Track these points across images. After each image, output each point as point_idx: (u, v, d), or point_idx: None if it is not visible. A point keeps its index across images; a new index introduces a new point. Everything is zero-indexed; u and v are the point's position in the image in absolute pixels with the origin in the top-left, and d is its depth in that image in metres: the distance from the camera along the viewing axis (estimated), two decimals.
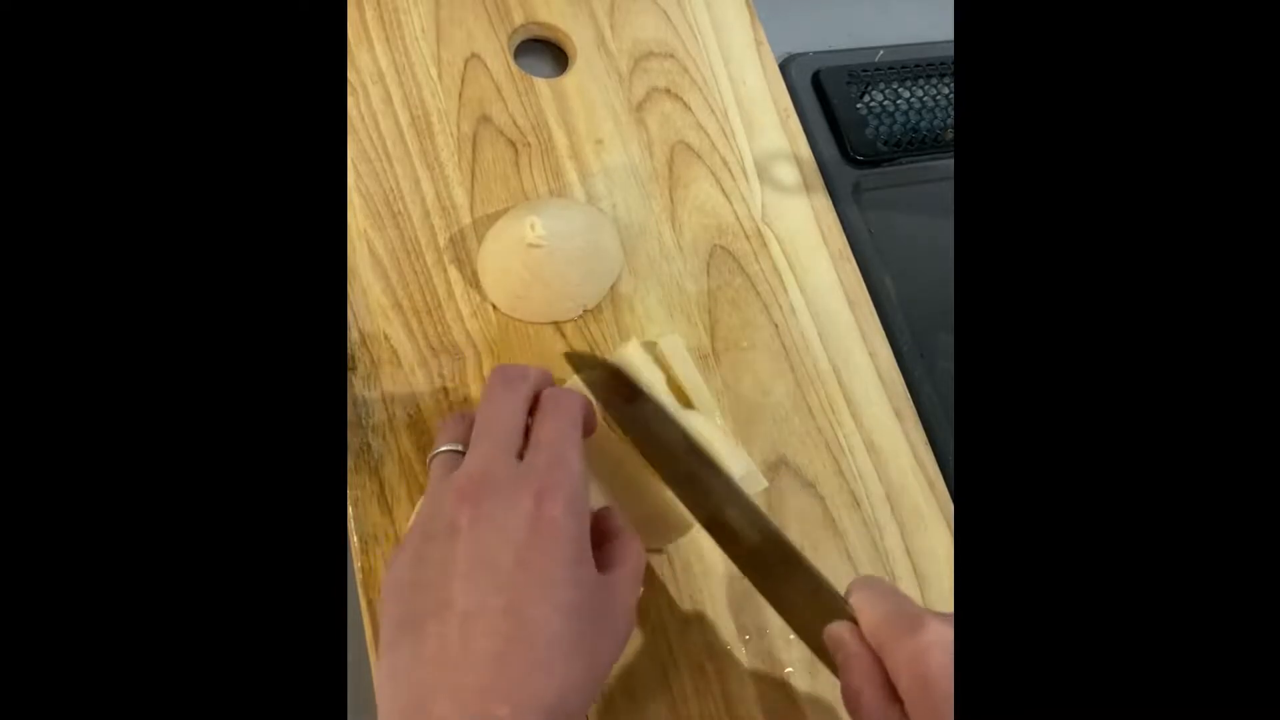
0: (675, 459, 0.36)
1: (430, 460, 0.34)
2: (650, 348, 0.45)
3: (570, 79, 0.52)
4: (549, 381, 0.36)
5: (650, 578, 0.40)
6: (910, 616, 0.29)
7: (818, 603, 0.33)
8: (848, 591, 0.32)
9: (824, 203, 0.53)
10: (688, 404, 0.41)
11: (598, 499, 0.38)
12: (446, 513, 0.30)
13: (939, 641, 0.28)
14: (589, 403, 0.35)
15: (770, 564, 0.34)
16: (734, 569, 0.39)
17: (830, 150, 0.58)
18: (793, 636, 0.41)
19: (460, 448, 0.33)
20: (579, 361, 0.40)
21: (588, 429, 0.35)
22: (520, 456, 0.31)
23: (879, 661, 0.30)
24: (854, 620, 0.31)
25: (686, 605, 0.41)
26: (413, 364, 0.42)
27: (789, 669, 0.41)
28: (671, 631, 0.40)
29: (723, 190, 0.52)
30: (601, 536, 0.33)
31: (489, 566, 0.28)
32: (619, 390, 0.38)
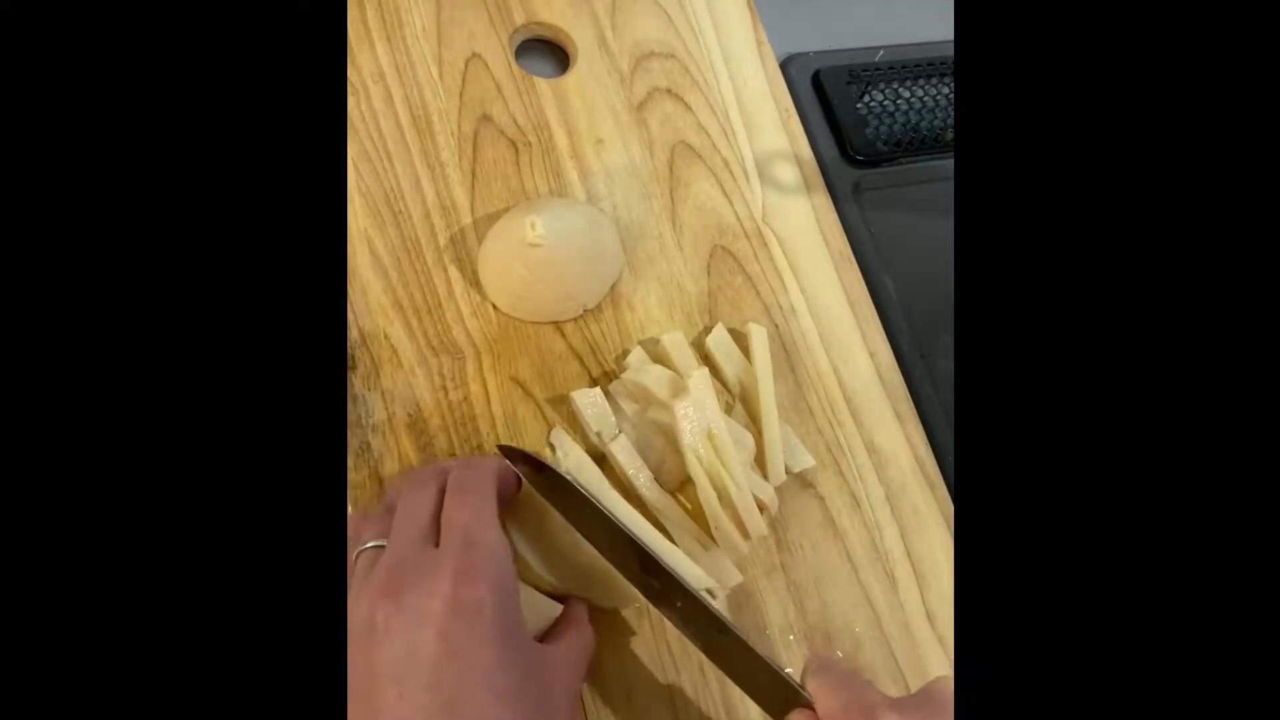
0: (624, 561, 0.35)
1: (354, 558, 0.32)
2: (652, 344, 0.45)
3: (571, 79, 0.52)
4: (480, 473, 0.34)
5: None
6: (866, 707, 0.29)
7: (775, 689, 0.33)
8: (803, 674, 0.32)
9: (824, 203, 0.53)
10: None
11: (545, 557, 0.37)
12: (365, 613, 0.29)
13: None
14: (504, 468, 0.34)
15: (728, 648, 0.34)
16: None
17: (831, 150, 0.58)
18: (792, 636, 0.42)
19: (384, 543, 0.32)
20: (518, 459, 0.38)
21: (507, 497, 0.34)
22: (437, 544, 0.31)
23: None
24: (810, 707, 0.31)
25: None
26: (413, 363, 0.42)
27: (788, 669, 0.41)
28: (670, 632, 0.40)
29: (723, 190, 0.52)
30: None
31: (415, 663, 0.27)
32: (563, 498, 0.37)
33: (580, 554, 0.36)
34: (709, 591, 0.40)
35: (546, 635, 0.32)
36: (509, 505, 0.36)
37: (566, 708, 0.30)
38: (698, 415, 0.40)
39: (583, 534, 0.36)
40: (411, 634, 0.28)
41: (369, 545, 0.32)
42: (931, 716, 0.28)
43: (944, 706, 0.29)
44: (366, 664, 0.28)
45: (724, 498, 0.41)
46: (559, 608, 0.35)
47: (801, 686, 0.32)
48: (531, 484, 0.37)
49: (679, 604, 0.34)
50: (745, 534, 0.41)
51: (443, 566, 0.29)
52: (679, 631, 0.35)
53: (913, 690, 0.42)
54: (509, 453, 0.37)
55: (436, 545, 0.31)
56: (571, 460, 0.40)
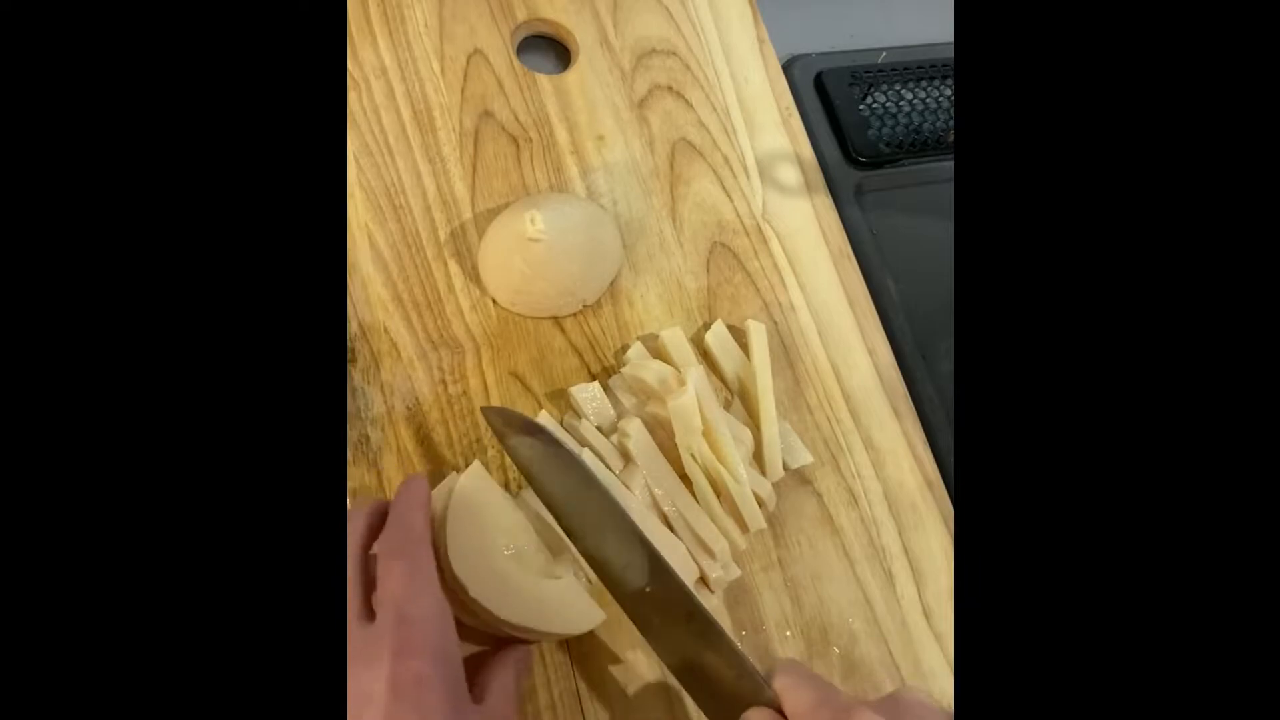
0: (601, 531, 0.35)
1: None
2: (651, 340, 0.45)
3: (572, 75, 0.52)
4: (383, 511, 0.34)
5: None
6: (840, 708, 0.28)
7: (739, 685, 0.31)
8: (769, 674, 0.31)
9: (825, 202, 0.53)
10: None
11: (490, 586, 0.35)
12: None
13: None
14: (423, 495, 0.33)
15: (692, 640, 0.33)
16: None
17: (833, 151, 0.58)
18: (789, 632, 0.42)
19: None
20: (503, 421, 0.37)
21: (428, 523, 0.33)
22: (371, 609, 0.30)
23: None
24: (776, 707, 0.30)
25: None
26: (412, 357, 0.42)
27: None
28: None
29: (723, 187, 0.52)
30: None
31: None
32: (549, 455, 0.36)
33: (526, 582, 0.35)
34: (701, 580, 0.40)
35: (474, 686, 0.31)
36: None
37: None
38: (694, 412, 0.40)
39: (558, 514, 0.35)
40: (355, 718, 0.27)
41: None
42: (901, 717, 0.28)
43: (911, 711, 0.29)
44: None
45: (721, 493, 0.41)
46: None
47: (767, 683, 0.31)
48: (512, 456, 0.36)
49: (649, 589, 0.33)
50: (743, 528, 0.41)
51: (380, 646, 0.28)
52: (638, 629, 0.34)
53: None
54: (496, 414, 0.37)
55: (371, 619, 0.30)
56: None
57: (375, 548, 0.32)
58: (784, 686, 0.30)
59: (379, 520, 0.33)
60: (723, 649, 0.32)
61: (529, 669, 0.33)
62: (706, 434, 0.41)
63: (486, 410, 0.38)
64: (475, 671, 0.33)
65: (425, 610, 0.29)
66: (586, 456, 0.39)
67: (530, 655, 0.33)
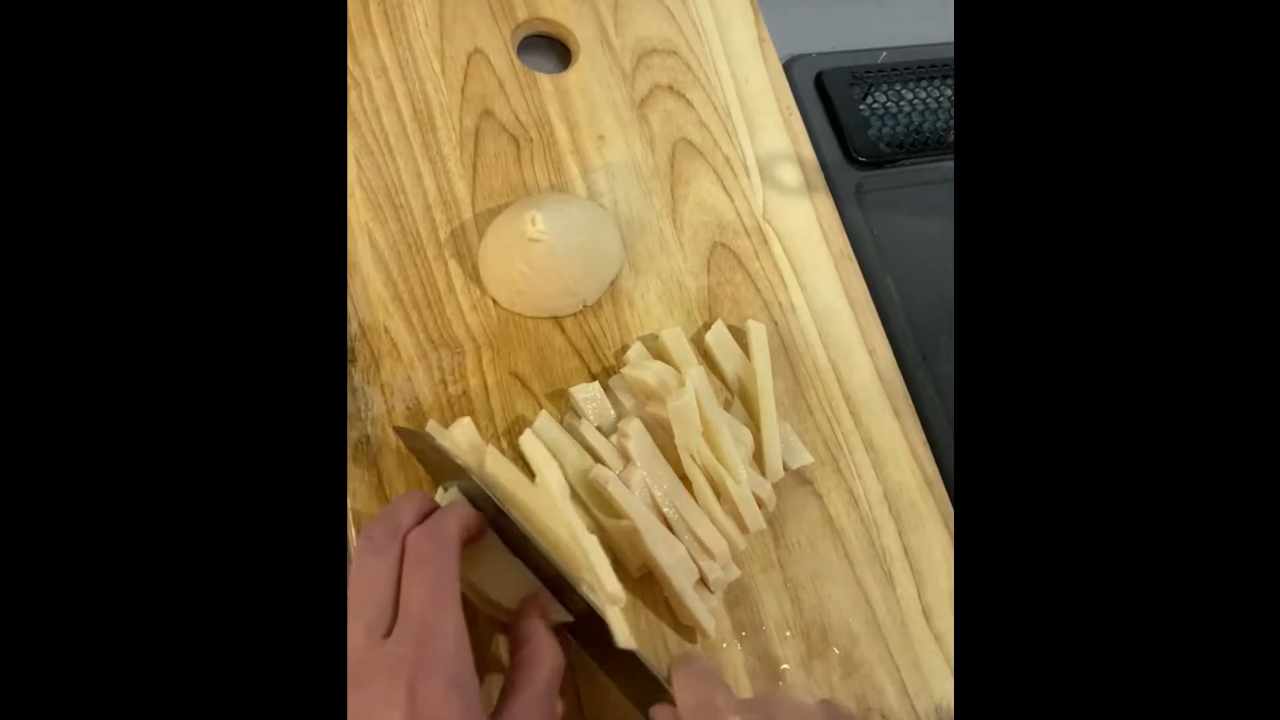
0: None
1: None
2: (651, 340, 0.45)
3: (573, 75, 0.52)
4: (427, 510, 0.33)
5: (646, 577, 0.40)
6: (714, 709, 0.28)
7: (644, 684, 0.32)
8: (668, 670, 0.32)
9: (825, 202, 0.53)
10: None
11: (496, 583, 0.36)
12: None
13: None
14: (471, 516, 0.33)
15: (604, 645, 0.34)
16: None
17: (833, 151, 0.58)
18: (789, 633, 0.42)
19: None
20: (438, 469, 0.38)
21: (473, 539, 0.33)
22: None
23: None
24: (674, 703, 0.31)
25: None
26: (412, 357, 0.42)
27: (785, 665, 0.41)
28: (668, 628, 0.40)
29: (724, 187, 0.52)
30: (514, 643, 0.32)
31: None
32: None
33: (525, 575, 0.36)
34: (701, 581, 0.40)
35: (512, 687, 0.31)
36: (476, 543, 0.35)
37: None
38: (693, 413, 0.40)
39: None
40: None
41: None
42: (771, 716, 0.28)
43: (784, 711, 0.29)
44: None
45: (721, 494, 0.41)
46: None
47: (668, 683, 0.32)
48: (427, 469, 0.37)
49: (574, 607, 0.34)
50: (743, 529, 0.41)
51: (398, 668, 0.27)
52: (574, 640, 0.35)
53: (910, 689, 0.42)
54: (404, 434, 0.38)
55: (389, 633, 0.29)
56: (488, 463, 0.39)
57: (407, 547, 0.31)
58: (677, 683, 0.30)
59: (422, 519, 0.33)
60: (635, 663, 0.33)
61: (556, 689, 0.32)
62: (706, 435, 0.41)
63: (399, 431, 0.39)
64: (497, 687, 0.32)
65: (447, 628, 0.29)
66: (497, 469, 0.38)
67: (559, 674, 0.32)
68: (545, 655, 0.32)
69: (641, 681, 0.33)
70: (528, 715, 0.30)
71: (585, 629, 0.35)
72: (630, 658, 0.33)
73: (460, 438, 0.39)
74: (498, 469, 0.38)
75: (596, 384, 0.43)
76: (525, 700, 0.30)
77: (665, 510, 0.40)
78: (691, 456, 0.40)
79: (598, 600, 0.34)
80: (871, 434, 0.48)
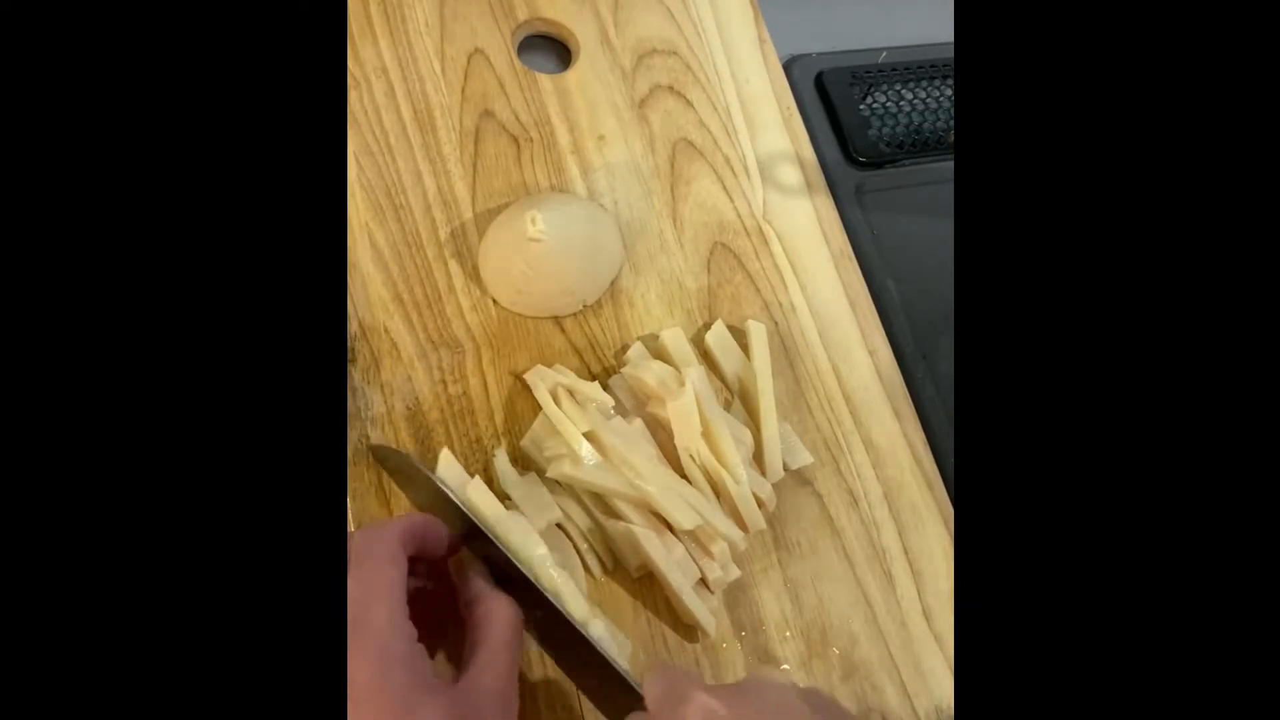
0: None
1: None
2: (652, 340, 0.45)
3: (573, 75, 0.52)
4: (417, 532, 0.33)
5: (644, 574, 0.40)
6: (680, 692, 0.29)
7: (625, 699, 0.33)
8: (641, 676, 0.32)
9: (826, 202, 0.53)
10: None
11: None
12: None
13: (700, 710, 0.28)
14: (419, 521, 0.33)
15: (579, 659, 0.34)
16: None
17: (833, 152, 0.58)
18: (788, 633, 0.42)
19: None
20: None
21: (432, 547, 0.34)
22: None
23: None
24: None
25: None
26: (412, 357, 0.42)
27: (785, 665, 0.41)
28: (667, 628, 0.40)
29: (724, 187, 0.52)
30: (465, 609, 0.33)
31: None
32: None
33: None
34: (701, 581, 0.40)
35: (469, 644, 0.31)
36: (450, 553, 0.35)
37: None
38: (693, 413, 0.40)
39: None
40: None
41: None
42: (744, 701, 0.28)
43: (760, 692, 0.29)
44: None
45: (721, 493, 0.41)
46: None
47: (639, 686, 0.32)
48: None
49: (539, 614, 0.35)
50: (743, 528, 0.41)
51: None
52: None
53: (910, 689, 0.42)
54: (380, 454, 0.39)
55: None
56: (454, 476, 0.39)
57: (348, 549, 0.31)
58: (646, 685, 0.31)
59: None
60: (604, 667, 0.33)
61: (519, 637, 0.33)
62: (706, 434, 0.41)
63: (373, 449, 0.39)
64: (458, 644, 0.33)
65: (381, 611, 0.29)
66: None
67: (517, 627, 0.33)
68: (498, 611, 0.32)
69: (616, 696, 0.33)
70: (490, 670, 0.31)
71: (560, 640, 0.35)
72: (605, 668, 0.33)
73: (445, 473, 0.39)
74: (479, 500, 0.37)
75: (596, 384, 0.42)
76: (485, 657, 0.31)
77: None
78: (691, 456, 0.40)
79: (581, 623, 0.34)
80: (871, 434, 0.48)
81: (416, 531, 0.33)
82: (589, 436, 0.40)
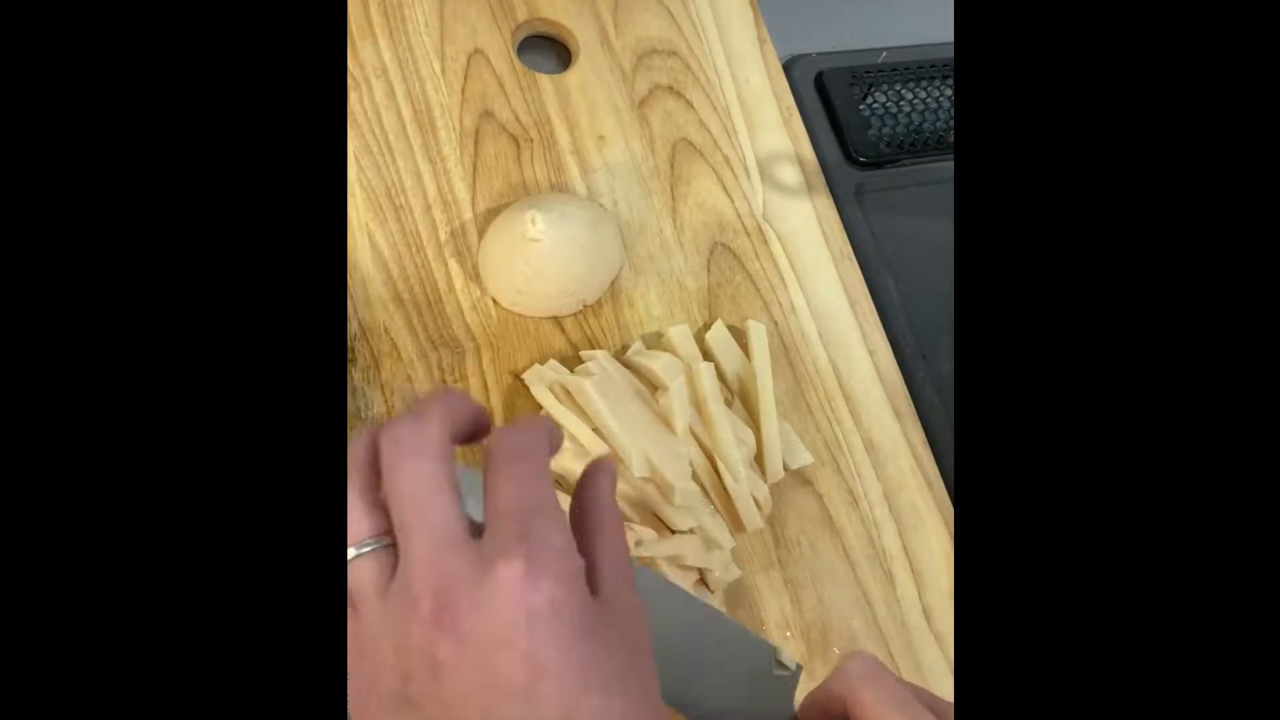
0: None
1: (350, 564, 0.25)
2: (654, 340, 0.45)
3: (573, 75, 0.52)
4: (463, 410, 0.27)
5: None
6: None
7: None
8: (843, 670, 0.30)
9: (826, 202, 0.53)
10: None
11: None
12: (421, 646, 0.23)
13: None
14: (549, 425, 0.28)
15: None
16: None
17: (833, 152, 0.58)
18: (789, 633, 0.42)
19: (387, 541, 0.25)
20: None
21: (554, 449, 0.27)
22: (476, 531, 0.24)
23: None
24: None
25: None
26: (412, 357, 0.42)
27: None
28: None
29: (724, 187, 0.52)
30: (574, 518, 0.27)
31: (502, 692, 0.22)
32: None
33: None
34: (701, 580, 0.40)
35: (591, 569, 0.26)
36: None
37: (649, 644, 0.26)
38: (685, 412, 0.40)
39: None
40: (487, 662, 0.23)
41: (368, 547, 0.25)
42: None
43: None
44: (438, 702, 0.23)
45: (717, 493, 0.41)
46: None
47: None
48: None
49: None
50: (740, 528, 0.41)
51: (500, 575, 0.23)
52: None
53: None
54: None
55: (476, 532, 0.24)
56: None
57: (491, 449, 0.26)
58: (869, 702, 0.28)
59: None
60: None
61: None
62: (708, 430, 0.41)
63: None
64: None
65: (550, 529, 0.24)
66: None
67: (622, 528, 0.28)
68: (606, 525, 0.27)
69: None
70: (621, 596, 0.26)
71: None
72: None
73: None
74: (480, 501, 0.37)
75: (604, 350, 0.42)
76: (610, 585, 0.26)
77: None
78: (690, 451, 0.40)
79: None
80: (871, 434, 0.48)
81: (551, 434, 0.27)
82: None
